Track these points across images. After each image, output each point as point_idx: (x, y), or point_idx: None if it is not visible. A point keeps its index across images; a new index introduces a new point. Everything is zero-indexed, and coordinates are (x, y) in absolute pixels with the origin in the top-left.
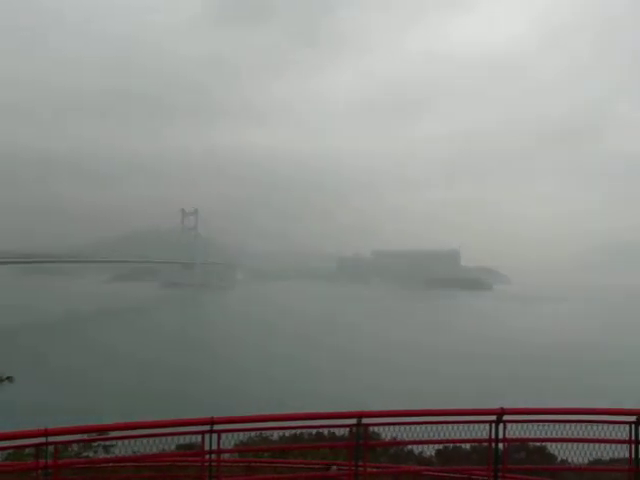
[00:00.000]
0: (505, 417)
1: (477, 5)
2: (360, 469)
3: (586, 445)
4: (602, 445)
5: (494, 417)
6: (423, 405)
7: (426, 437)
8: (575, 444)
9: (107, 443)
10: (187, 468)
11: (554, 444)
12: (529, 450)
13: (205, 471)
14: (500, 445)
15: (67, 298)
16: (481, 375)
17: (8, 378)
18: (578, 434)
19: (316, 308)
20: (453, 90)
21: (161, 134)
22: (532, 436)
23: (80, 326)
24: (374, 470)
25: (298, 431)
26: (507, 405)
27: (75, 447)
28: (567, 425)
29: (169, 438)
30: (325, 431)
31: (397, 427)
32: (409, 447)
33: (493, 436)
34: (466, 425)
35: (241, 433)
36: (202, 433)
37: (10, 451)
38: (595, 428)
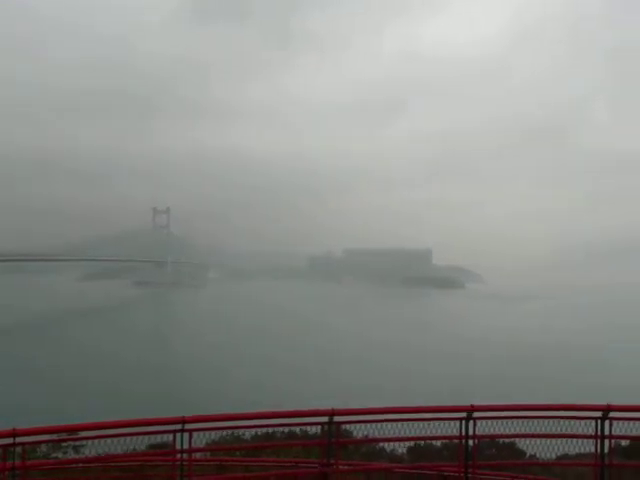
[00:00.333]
0: (475, 414)
1: (452, 4)
2: (332, 467)
3: (554, 440)
4: (569, 440)
5: (464, 414)
6: (397, 403)
7: (398, 434)
8: (543, 440)
9: (77, 443)
10: (158, 468)
11: (523, 440)
12: (499, 446)
13: (176, 470)
14: (471, 441)
15: (38, 297)
16: (452, 374)
17: None
18: (546, 430)
19: (286, 307)
20: (431, 90)
21: (138, 133)
22: (502, 432)
23: (51, 325)
24: (345, 468)
25: (270, 429)
26: (478, 403)
27: (44, 448)
28: (536, 421)
29: (141, 438)
30: (297, 429)
31: (370, 425)
32: (381, 444)
33: (463, 433)
34: (438, 422)
35: (213, 432)
36: (173, 432)
37: None
38: (562, 424)
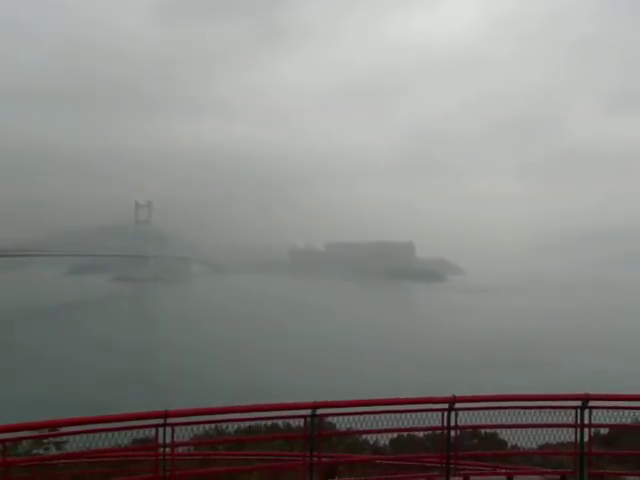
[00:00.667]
0: (457, 405)
1: None
2: (314, 459)
3: (535, 430)
4: (550, 429)
5: (446, 405)
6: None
7: (381, 426)
8: (525, 429)
9: (59, 439)
10: (141, 462)
11: (505, 430)
12: (481, 437)
13: (159, 465)
14: (453, 432)
15: (16, 292)
16: (430, 366)
17: None
18: (528, 420)
19: (266, 301)
20: (416, 81)
21: (121, 126)
22: (484, 423)
23: (30, 320)
24: (328, 460)
25: (254, 423)
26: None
27: (26, 444)
28: (518, 411)
29: (124, 433)
30: (280, 422)
31: (354, 417)
32: (364, 436)
33: (445, 424)
34: (421, 414)
35: (197, 426)
36: (155, 427)
37: None
38: (543, 413)
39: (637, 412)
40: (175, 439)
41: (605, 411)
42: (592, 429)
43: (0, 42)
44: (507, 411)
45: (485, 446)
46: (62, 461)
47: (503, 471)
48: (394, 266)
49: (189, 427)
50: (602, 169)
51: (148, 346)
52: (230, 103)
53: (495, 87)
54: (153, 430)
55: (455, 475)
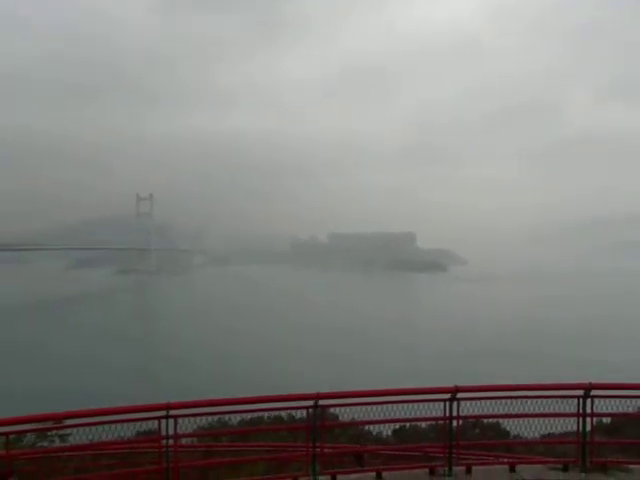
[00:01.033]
0: (460, 395)
1: None
2: (317, 450)
3: (538, 420)
4: (553, 419)
5: (448, 395)
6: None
7: (384, 417)
8: (527, 419)
9: (62, 432)
10: (145, 454)
11: (508, 420)
12: (483, 427)
13: (162, 457)
14: (455, 422)
15: (19, 286)
16: (431, 357)
17: None
18: (530, 409)
19: (268, 293)
20: (417, 69)
21: (122, 118)
22: (486, 413)
23: (35, 314)
24: (331, 451)
25: (257, 414)
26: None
27: (30, 437)
28: (520, 401)
29: (129, 425)
30: (284, 414)
31: (357, 408)
32: (368, 427)
33: (447, 414)
34: (424, 404)
35: (201, 418)
36: (158, 419)
37: None
38: (546, 403)
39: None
40: (178, 431)
41: (608, 400)
42: (595, 418)
43: (0, 32)
44: (510, 401)
45: (488, 436)
46: (66, 453)
47: (505, 460)
48: (396, 257)
49: (192, 419)
50: (603, 157)
51: (151, 338)
52: (232, 94)
53: (496, 75)
54: (157, 422)
55: (458, 465)
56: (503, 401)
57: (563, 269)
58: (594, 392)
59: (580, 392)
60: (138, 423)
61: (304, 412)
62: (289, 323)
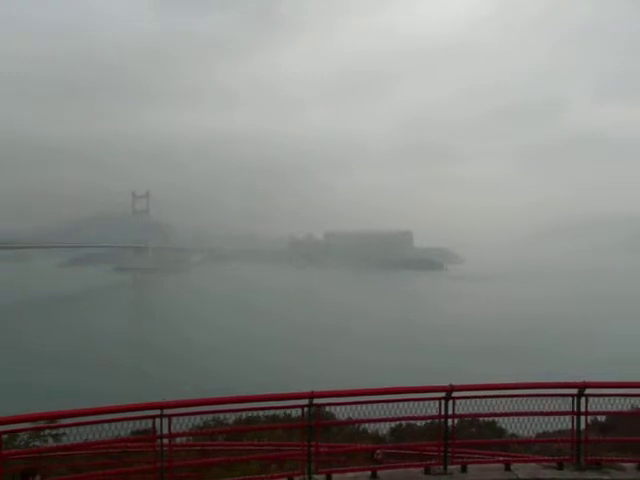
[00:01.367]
0: (455, 394)
1: None
2: (312, 449)
3: (533, 418)
4: (549, 417)
5: (444, 394)
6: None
7: (381, 415)
8: (523, 417)
9: (56, 432)
10: (141, 454)
11: (503, 418)
12: (480, 425)
13: (156, 456)
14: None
15: (16, 284)
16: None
17: None
18: (526, 408)
19: (265, 291)
20: (415, 68)
21: (120, 115)
22: (482, 411)
23: (31, 312)
24: (326, 449)
25: (254, 413)
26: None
27: (24, 436)
28: (516, 399)
29: (125, 424)
30: (280, 413)
31: (355, 406)
32: (364, 426)
33: (443, 412)
34: (420, 402)
35: (197, 417)
36: (152, 418)
37: None
38: (541, 401)
39: (634, 399)
40: (173, 430)
41: (602, 398)
42: (589, 416)
43: None
44: (505, 399)
45: (484, 434)
46: (60, 453)
47: (501, 459)
48: (393, 255)
49: (188, 418)
50: (600, 156)
51: (148, 337)
52: (230, 92)
53: (493, 74)
54: (151, 422)
55: (453, 463)
56: (499, 400)
57: (560, 268)
58: (588, 391)
59: (574, 391)
60: (133, 422)
61: (300, 411)
62: (286, 321)
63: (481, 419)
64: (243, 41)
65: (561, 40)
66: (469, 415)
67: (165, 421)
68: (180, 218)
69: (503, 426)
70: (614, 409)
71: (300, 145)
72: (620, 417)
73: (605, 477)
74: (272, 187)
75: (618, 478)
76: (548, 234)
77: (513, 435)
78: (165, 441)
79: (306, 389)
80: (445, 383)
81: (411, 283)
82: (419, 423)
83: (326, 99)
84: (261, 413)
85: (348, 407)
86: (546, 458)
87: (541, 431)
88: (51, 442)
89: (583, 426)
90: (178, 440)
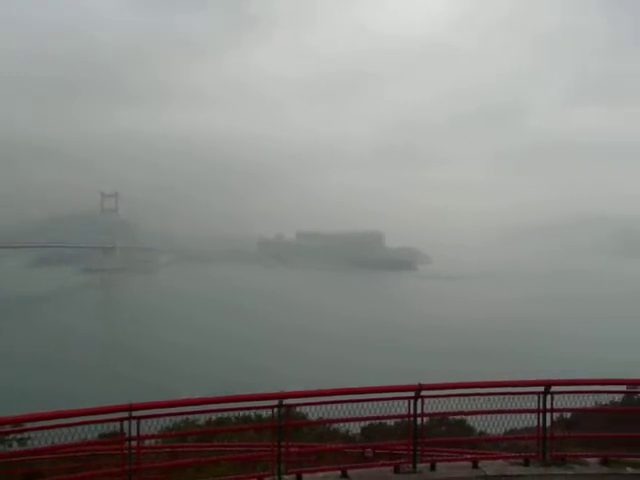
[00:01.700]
0: (424, 392)
1: None
2: (282, 449)
3: (502, 416)
4: (516, 415)
5: (413, 393)
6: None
7: (352, 415)
8: (491, 415)
9: (21, 436)
10: (109, 457)
11: (473, 417)
12: (450, 424)
13: (125, 459)
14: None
15: None
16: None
17: None
18: (494, 406)
19: (235, 292)
20: (388, 70)
21: (90, 112)
22: (451, 410)
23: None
24: (296, 450)
25: (224, 414)
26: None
27: None
28: (485, 398)
29: (92, 426)
30: (252, 413)
31: (326, 406)
32: (335, 426)
33: (412, 411)
34: (391, 402)
35: (167, 419)
36: (120, 420)
37: None
38: (509, 399)
39: (598, 395)
40: (143, 432)
41: (568, 396)
42: (555, 413)
43: None
44: (474, 398)
45: (453, 433)
46: (25, 458)
47: (469, 457)
48: (364, 256)
49: (157, 420)
50: (569, 159)
51: (118, 337)
52: (203, 91)
53: (466, 77)
54: (124, 423)
55: (422, 462)
56: (468, 398)
57: (529, 269)
58: (554, 388)
59: (540, 388)
60: (100, 425)
61: (272, 411)
62: (256, 321)
63: (451, 418)
64: (216, 41)
65: (538, 41)
66: (438, 414)
67: (134, 423)
68: (150, 218)
69: (472, 424)
70: (579, 406)
71: (274, 146)
72: (585, 413)
73: (569, 472)
74: (245, 188)
75: (582, 473)
76: (517, 236)
77: (482, 433)
78: (134, 443)
79: (278, 389)
80: (415, 382)
81: (381, 283)
82: (389, 422)
83: (302, 100)
84: (232, 414)
85: (321, 407)
86: (513, 455)
87: (509, 428)
88: (16, 447)
89: (549, 423)
90: (148, 442)
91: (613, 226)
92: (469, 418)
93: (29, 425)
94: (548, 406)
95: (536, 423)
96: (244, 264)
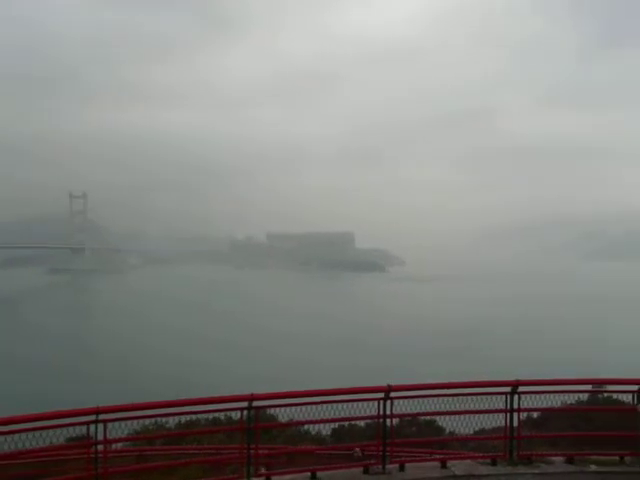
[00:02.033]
0: (393, 394)
1: None
2: (252, 451)
3: (471, 416)
4: (485, 415)
5: (383, 394)
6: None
7: (323, 417)
8: (460, 416)
9: None
10: (75, 461)
11: (443, 417)
12: (420, 424)
13: (92, 463)
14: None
15: None
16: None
17: None
18: (464, 407)
19: (205, 292)
20: (357, 72)
21: (56, 111)
22: (421, 411)
23: None
24: (266, 452)
25: (193, 417)
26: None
27: None
28: (454, 398)
29: (59, 431)
30: (222, 416)
31: (297, 408)
32: (306, 427)
33: (381, 412)
34: (362, 403)
35: (135, 422)
36: (87, 424)
37: None
38: (478, 400)
39: (564, 396)
40: (110, 435)
41: (536, 395)
42: (523, 413)
43: None
44: (444, 398)
45: (424, 433)
46: None
47: (438, 457)
48: (334, 257)
49: (125, 423)
50: (537, 162)
51: (84, 340)
52: (171, 90)
53: (435, 80)
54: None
55: (391, 462)
56: (438, 399)
57: (500, 270)
58: (521, 388)
59: (508, 389)
60: (68, 429)
61: (243, 413)
62: (225, 322)
63: (421, 418)
64: (185, 40)
65: (510, 47)
66: (407, 415)
67: (100, 426)
68: (118, 219)
69: (442, 425)
70: (546, 406)
71: (243, 146)
72: (552, 413)
73: (535, 471)
74: (214, 188)
75: (548, 472)
76: (494, 236)
77: (452, 433)
78: (100, 447)
79: (248, 391)
80: (385, 383)
81: (353, 284)
82: (360, 423)
83: (268, 100)
84: (201, 416)
85: (291, 409)
86: (481, 455)
87: (478, 428)
88: None
89: (517, 423)
90: (116, 446)
91: (584, 227)
92: (439, 418)
93: None
94: (515, 406)
95: (502, 423)
96: (215, 265)
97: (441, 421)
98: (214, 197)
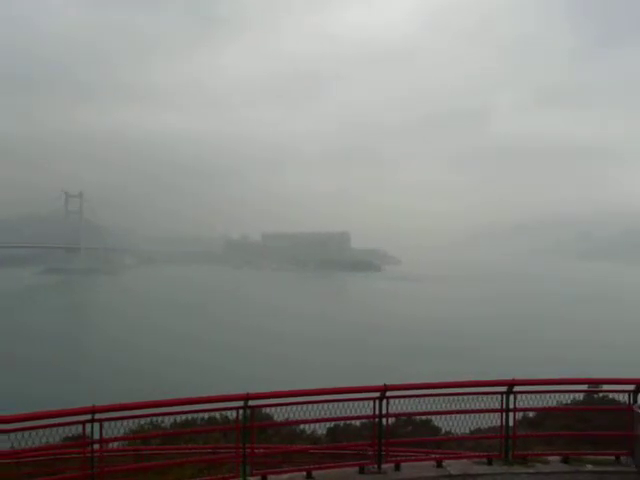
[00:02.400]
0: (389, 393)
1: None
2: (248, 451)
3: (466, 415)
4: (481, 415)
5: (378, 394)
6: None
7: (318, 416)
8: (456, 415)
9: None
10: (72, 461)
11: (439, 417)
12: (415, 424)
13: (87, 462)
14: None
15: None
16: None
17: None
18: (459, 406)
19: (200, 293)
20: (352, 72)
21: (51, 111)
22: (417, 410)
23: None
24: (261, 451)
25: (189, 416)
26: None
27: None
28: (450, 398)
29: (53, 430)
30: (218, 415)
31: (292, 407)
32: (301, 427)
33: (377, 412)
34: (357, 402)
35: (131, 421)
36: (83, 423)
37: None
38: (474, 399)
39: (560, 395)
40: (106, 435)
41: (531, 395)
42: (519, 413)
43: None
44: (440, 398)
45: (419, 433)
46: None
47: (433, 456)
48: (330, 257)
49: (122, 422)
50: (531, 162)
51: (79, 340)
52: (166, 91)
53: (431, 80)
54: (87, 426)
55: (387, 462)
56: (434, 398)
57: (495, 269)
58: (517, 388)
59: (504, 388)
60: (64, 428)
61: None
62: (221, 323)
63: (417, 418)
64: (181, 40)
65: (504, 48)
66: (402, 414)
67: (96, 426)
68: (114, 219)
69: (438, 424)
70: (542, 405)
71: (237, 146)
72: (548, 413)
73: (531, 470)
74: (208, 188)
75: (543, 471)
76: (481, 236)
77: (448, 433)
78: (97, 446)
79: (243, 391)
80: (381, 383)
81: (349, 284)
82: (356, 423)
83: (265, 100)
84: (197, 416)
85: (287, 408)
86: (476, 454)
87: (474, 428)
88: None
89: (512, 422)
90: (112, 445)
91: (575, 228)
92: (435, 418)
93: None
94: (511, 406)
95: (498, 423)
96: (210, 265)
97: (437, 421)
98: (208, 197)
